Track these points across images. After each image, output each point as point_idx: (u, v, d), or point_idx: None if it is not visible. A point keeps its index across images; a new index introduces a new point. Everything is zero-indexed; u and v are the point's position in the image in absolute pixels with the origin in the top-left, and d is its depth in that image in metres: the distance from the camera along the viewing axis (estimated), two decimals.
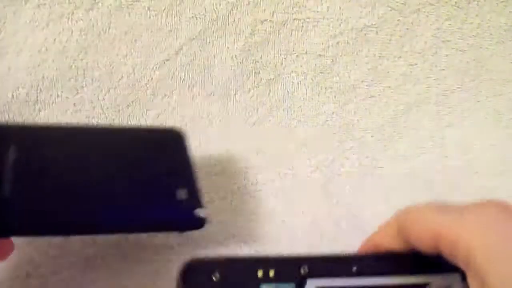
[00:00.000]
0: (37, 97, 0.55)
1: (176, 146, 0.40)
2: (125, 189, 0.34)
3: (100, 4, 0.54)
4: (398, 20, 0.57)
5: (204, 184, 0.39)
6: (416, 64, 0.58)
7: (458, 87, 0.58)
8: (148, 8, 0.55)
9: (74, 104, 0.55)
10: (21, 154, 0.34)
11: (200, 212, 0.35)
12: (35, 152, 0.35)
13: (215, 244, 0.47)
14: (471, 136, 0.56)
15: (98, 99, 0.56)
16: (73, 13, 0.54)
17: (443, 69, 0.58)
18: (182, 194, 0.35)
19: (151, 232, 0.36)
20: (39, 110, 0.55)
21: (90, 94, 0.56)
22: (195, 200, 0.35)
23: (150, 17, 0.55)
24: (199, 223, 0.34)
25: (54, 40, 0.54)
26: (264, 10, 0.55)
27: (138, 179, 0.35)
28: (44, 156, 0.35)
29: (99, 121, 0.55)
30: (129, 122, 0.56)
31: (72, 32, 0.54)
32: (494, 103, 0.57)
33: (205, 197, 0.37)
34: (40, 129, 0.39)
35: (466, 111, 0.57)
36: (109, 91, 0.56)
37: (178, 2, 0.55)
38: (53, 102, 0.55)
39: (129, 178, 0.35)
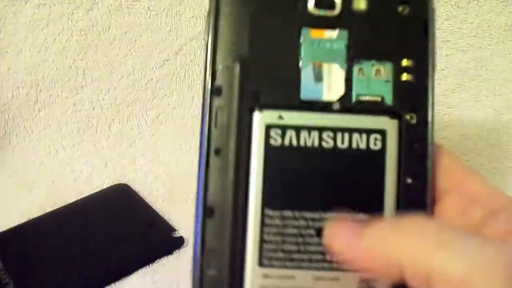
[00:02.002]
0: (37, 97, 0.55)
1: (128, 195, 0.48)
2: (114, 245, 0.42)
3: (100, 4, 0.54)
4: None
5: None
6: None
7: (458, 87, 0.58)
8: (148, 8, 0.55)
9: (74, 104, 0.55)
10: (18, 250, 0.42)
11: (175, 234, 0.42)
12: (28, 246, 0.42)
13: None
14: (471, 136, 0.56)
15: (98, 99, 0.56)
16: (73, 13, 0.54)
17: (443, 69, 0.58)
18: (154, 228, 0.43)
19: (150, 263, 0.41)
20: (39, 110, 0.55)
21: (90, 94, 0.56)
22: (166, 227, 0.43)
23: (150, 17, 0.55)
24: (180, 241, 0.41)
25: (54, 40, 0.54)
26: None
27: (118, 231, 0.43)
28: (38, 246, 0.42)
29: (99, 121, 0.55)
30: (129, 122, 0.56)
31: (72, 32, 0.54)
32: (494, 103, 0.57)
33: None
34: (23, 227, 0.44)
35: (466, 111, 0.57)
36: (109, 91, 0.56)
37: (178, 2, 0.55)
38: (53, 102, 0.55)
39: (111, 234, 0.43)
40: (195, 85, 0.56)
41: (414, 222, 0.19)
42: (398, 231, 0.19)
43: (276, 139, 0.22)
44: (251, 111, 0.22)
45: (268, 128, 0.22)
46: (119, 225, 0.44)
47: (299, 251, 0.22)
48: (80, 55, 0.55)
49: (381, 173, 0.22)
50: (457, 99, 0.58)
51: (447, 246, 0.18)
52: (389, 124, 0.22)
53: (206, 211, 0.22)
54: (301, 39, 0.23)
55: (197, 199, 0.22)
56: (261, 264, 0.22)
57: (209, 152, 0.22)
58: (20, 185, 0.49)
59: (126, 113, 0.56)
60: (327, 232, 0.21)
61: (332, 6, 0.23)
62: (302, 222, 0.22)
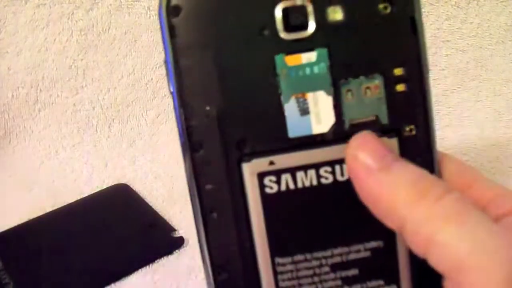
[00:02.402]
0: (37, 97, 0.55)
1: (128, 195, 0.48)
2: (114, 245, 0.42)
3: (100, 4, 0.54)
4: None
5: None
6: None
7: (458, 87, 0.58)
8: (148, 8, 0.55)
9: (74, 104, 0.56)
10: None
11: (175, 234, 0.42)
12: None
13: None
14: (471, 136, 0.56)
15: (98, 99, 0.56)
16: (73, 13, 0.54)
17: (443, 69, 0.58)
18: (154, 228, 0.43)
19: (149, 263, 0.40)
20: (39, 110, 0.55)
21: (90, 94, 0.56)
22: (166, 227, 0.43)
23: (150, 17, 0.55)
24: (180, 241, 0.41)
25: (54, 40, 0.54)
26: None
27: (118, 231, 0.43)
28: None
29: (99, 121, 0.55)
30: (129, 122, 0.56)
31: (72, 32, 0.54)
32: (494, 103, 0.57)
33: None
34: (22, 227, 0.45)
35: (466, 111, 0.57)
36: (109, 91, 0.56)
37: None
38: (53, 102, 0.56)
39: (111, 234, 0.43)
40: None
41: (435, 189, 0.19)
42: (417, 190, 0.19)
43: (271, 187, 0.21)
44: (239, 163, 0.20)
45: (261, 177, 0.21)
46: (119, 225, 0.44)
47: None
48: (80, 55, 0.55)
49: None
50: (457, 99, 0.58)
51: (457, 221, 0.18)
52: (388, 144, 0.20)
53: (215, 273, 0.21)
54: (277, 70, 0.20)
55: (204, 262, 0.21)
56: None
57: (204, 214, 0.21)
58: (20, 185, 0.49)
59: (126, 113, 0.56)
60: (350, 149, 0.20)
61: (304, 25, 0.20)
62: (315, 262, 0.21)
